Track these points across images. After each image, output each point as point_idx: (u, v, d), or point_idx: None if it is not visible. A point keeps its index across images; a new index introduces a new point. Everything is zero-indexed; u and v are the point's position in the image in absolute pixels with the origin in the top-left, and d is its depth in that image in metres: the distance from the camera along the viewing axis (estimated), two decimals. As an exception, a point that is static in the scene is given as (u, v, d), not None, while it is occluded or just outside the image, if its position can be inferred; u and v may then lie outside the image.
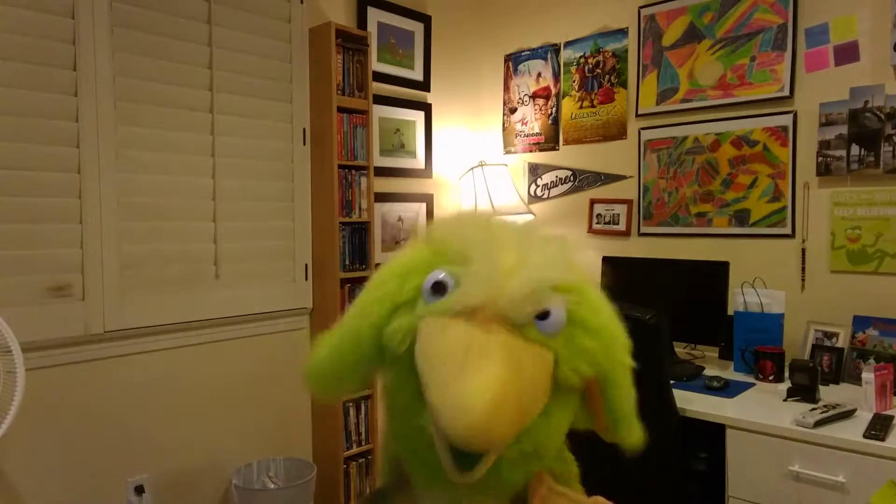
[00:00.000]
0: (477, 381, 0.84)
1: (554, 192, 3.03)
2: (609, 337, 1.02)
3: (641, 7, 2.68)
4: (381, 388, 1.07)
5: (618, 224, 2.78)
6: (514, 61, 3.17)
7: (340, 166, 2.44)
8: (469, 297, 0.94)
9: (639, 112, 2.70)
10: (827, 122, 2.19)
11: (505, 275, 0.95)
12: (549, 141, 3.03)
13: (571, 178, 2.96)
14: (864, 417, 1.69)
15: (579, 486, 1.25)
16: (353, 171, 2.49)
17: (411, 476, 1.10)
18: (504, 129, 3.22)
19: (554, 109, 3.01)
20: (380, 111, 2.79)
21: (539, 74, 3.06)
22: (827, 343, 2.12)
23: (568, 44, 2.95)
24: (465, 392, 0.83)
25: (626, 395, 1.05)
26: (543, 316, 0.96)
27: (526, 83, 3.11)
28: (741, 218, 2.43)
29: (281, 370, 2.47)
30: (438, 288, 0.98)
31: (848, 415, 1.69)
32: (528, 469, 1.02)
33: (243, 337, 2.34)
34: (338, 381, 1.07)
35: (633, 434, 1.07)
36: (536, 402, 0.93)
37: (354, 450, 2.51)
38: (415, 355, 0.95)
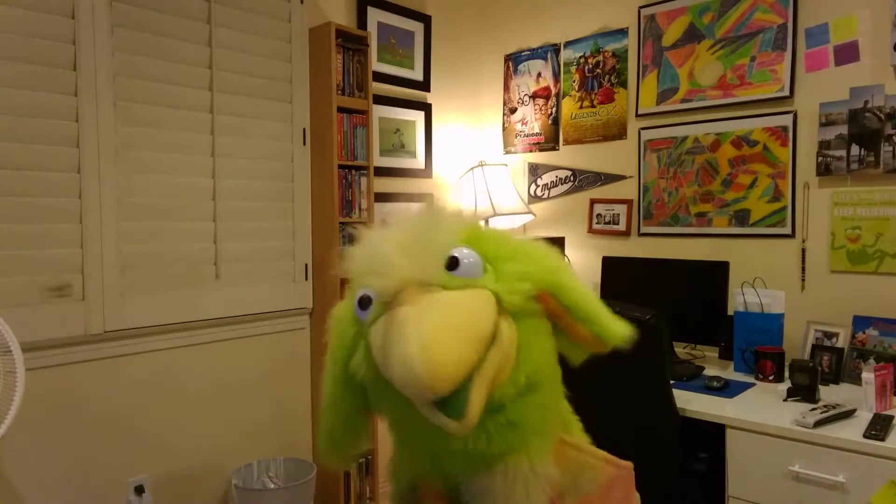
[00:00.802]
0: (409, 338, 0.91)
1: (554, 192, 3.03)
2: (527, 252, 1.10)
3: (641, 7, 2.68)
4: (388, 427, 1.16)
5: (618, 224, 2.78)
6: (514, 61, 3.17)
7: (340, 166, 2.44)
8: (383, 288, 1.02)
9: (639, 112, 2.70)
10: (827, 122, 2.19)
11: (400, 254, 1.03)
12: (549, 141, 3.03)
13: (571, 178, 2.96)
14: (864, 417, 1.69)
15: (583, 434, 1.28)
16: (353, 171, 2.49)
17: (445, 478, 1.13)
18: (504, 129, 3.22)
19: (554, 109, 3.01)
20: (380, 111, 2.79)
21: (539, 74, 3.06)
22: (827, 343, 2.12)
23: (568, 44, 2.95)
24: (402, 352, 0.90)
25: (581, 294, 1.10)
26: (454, 265, 1.04)
27: (526, 83, 3.12)
28: (741, 218, 2.43)
29: (281, 370, 2.47)
30: (364, 303, 1.07)
31: (848, 415, 1.69)
32: (530, 403, 1.06)
33: (243, 337, 2.34)
34: (347, 437, 1.16)
35: (613, 328, 1.11)
36: (484, 331, 0.97)
37: (354, 450, 2.50)
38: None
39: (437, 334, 0.91)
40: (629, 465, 1.20)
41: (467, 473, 1.09)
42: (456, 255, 1.04)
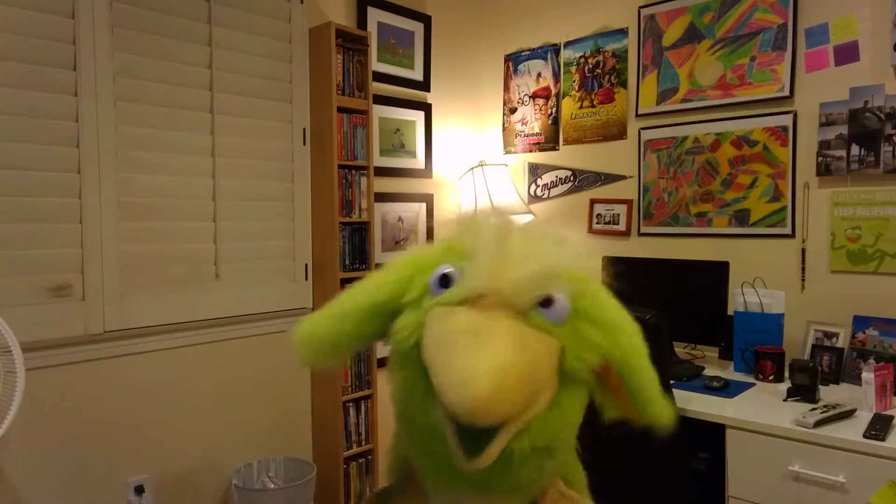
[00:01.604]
0: (481, 356, 0.86)
1: (554, 192, 3.03)
2: (615, 327, 1.05)
3: (641, 7, 2.68)
4: (392, 393, 1.09)
5: (618, 224, 2.78)
6: (514, 61, 3.17)
7: (340, 166, 2.44)
8: (473, 285, 0.97)
9: (639, 112, 2.70)
10: (827, 122, 2.19)
11: (509, 264, 0.99)
12: (549, 141, 3.03)
13: (571, 178, 2.96)
14: (864, 417, 1.69)
15: (586, 491, 1.26)
16: (353, 171, 2.49)
17: (424, 478, 1.11)
18: (504, 129, 3.22)
19: (554, 109, 3.01)
20: (380, 111, 2.79)
21: (539, 74, 3.06)
22: (827, 343, 2.12)
23: (568, 44, 2.95)
24: (470, 366, 0.85)
25: (646, 379, 1.06)
26: (547, 304, 0.99)
27: (526, 83, 3.12)
28: (741, 218, 2.43)
29: (281, 370, 2.47)
30: (445, 281, 1.02)
31: (848, 415, 1.69)
32: (539, 466, 1.03)
33: (243, 337, 2.34)
34: (331, 348, 1.09)
35: (663, 413, 1.08)
36: (541, 384, 0.94)
37: (354, 450, 2.51)
38: (422, 346, 0.97)
39: (507, 368, 0.86)
40: None
41: (444, 489, 1.07)
42: (555, 296, 1.00)
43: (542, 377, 0.94)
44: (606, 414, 1.12)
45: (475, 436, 0.90)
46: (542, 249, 1.04)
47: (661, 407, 1.07)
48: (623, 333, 1.05)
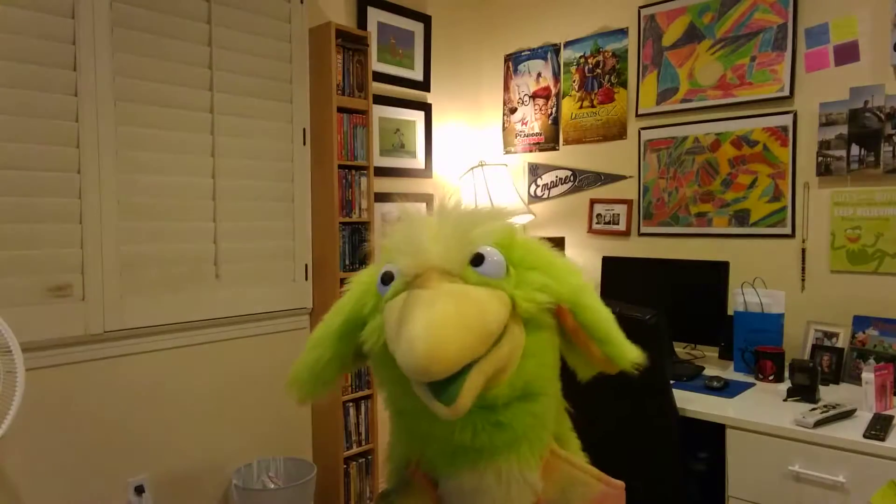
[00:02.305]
0: (419, 318, 0.94)
1: (554, 192, 3.03)
2: (555, 267, 1.13)
3: (641, 7, 2.68)
4: (384, 400, 1.20)
5: (618, 224, 2.78)
6: (514, 61, 3.17)
7: (340, 166, 2.44)
8: (407, 268, 1.06)
9: (639, 112, 2.70)
10: (827, 122, 2.19)
11: (431, 240, 1.07)
12: (549, 141, 3.03)
13: (571, 178, 2.96)
14: (864, 417, 1.69)
15: (581, 453, 1.29)
16: (353, 171, 2.49)
17: (429, 468, 1.16)
18: (504, 129, 3.22)
19: (554, 109, 3.01)
20: (380, 111, 2.79)
21: (539, 74, 3.06)
22: (827, 343, 2.12)
23: (568, 44, 2.95)
24: (410, 329, 0.93)
25: (600, 315, 1.13)
26: (479, 261, 1.07)
27: (526, 83, 3.11)
28: (741, 218, 2.43)
29: (281, 370, 2.47)
30: (387, 279, 1.11)
31: (848, 415, 1.69)
32: (527, 411, 1.08)
33: (243, 337, 2.34)
34: (314, 377, 1.20)
35: (626, 352, 1.14)
36: (492, 327, 0.99)
37: (354, 450, 2.51)
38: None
39: (445, 320, 0.94)
40: (621, 484, 1.21)
41: (451, 467, 1.11)
42: (482, 252, 1.07)
43: (490, 320, 0.99)
44: (579, 373, 1.20)
45: (447, 389, 0.96)
46: (456, 219, 1.12)
47: (623, 345, 1.13)
48: (566, 273, 1.13)
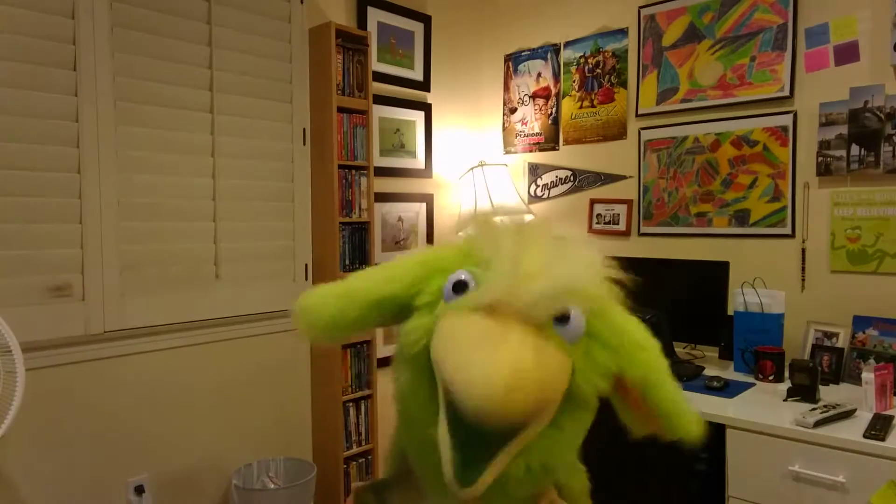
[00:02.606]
0: (498, 355, 0.84)
1: (554, 192, 3.03)
2: (630, 345, 1.02)
3: (641, 7, 2.68)
4: (394, 393, 1.07)
5: (618, 224, 2.78)
6: (514, 61, 3.17)
7: (340, 166, 2.44)
8: (488, 293, 0.94)
9: (639, 112, 2.70)
10: (827, 122, 2.19)
11: (527, 275, 0.95)
12: (549, 141, 3.03)
13: (571, 178, 2.96)
14: (864, 417, 1.69)
15: (588, 500, 1.24)
16: (353, 171, 2.49)
17: (420, 479, 1.09)
18: (504, 129, 3.22)
19: (554, 109, 3.01)
20: (380, 111, 2.79)
21: (539, 74, 3.06)
22: (827, 343, 2.12)
23: (568, 44, 2.95)
24: (486, 363, 0.83)
25: (669, 393, 1.03)
26: (563, 320, 0.95)
27: (526, 83, 3.11)
28: (741, 218, 2.43)
29: (281, 370, 2.47)
30: (459, 287, 0.99)
31: (848, 415, 1.69)
32: (535, 484, 1.01)
33: (243, 337, 2.34)
34: (329, 326, 1.06)
35: (690, 426, 1.05)
36: (553, 396, 0.91)
37: (354, 450, 2.51)
38: (431, 349, 0.95)
39: (528, 365, 0.85)
40: None
41: (440, 492, 1.05)
42: (572, 313, 0.96)
43: (553, 388, 0.91)
44: (634, 431, 1.10)
45: (472, 457, 0.88)
46: (560, 262, 1.00)
47: (687, 420, 1.04)
48: (640, 350, 1.03)
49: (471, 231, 1.09)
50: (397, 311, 1.06)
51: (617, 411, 1.09)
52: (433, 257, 1.09)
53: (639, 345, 1.03)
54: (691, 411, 1.05)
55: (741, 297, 2.20)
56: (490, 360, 0.83)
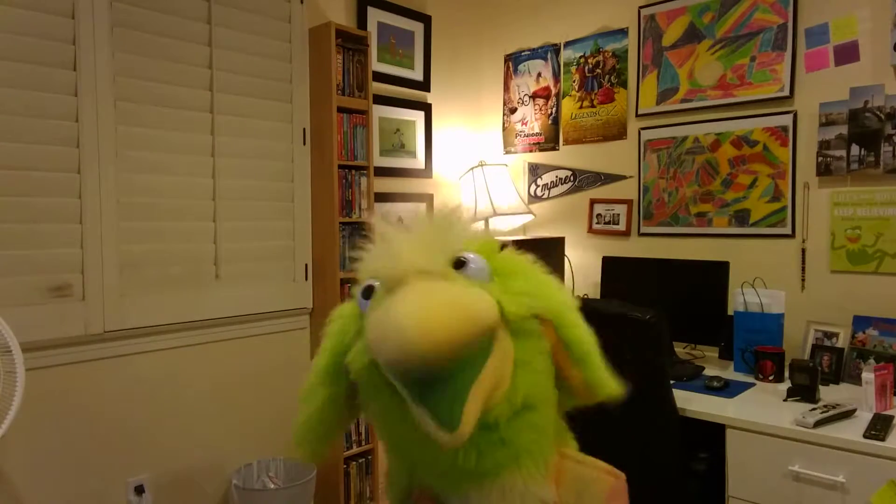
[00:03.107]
0: (404, 303, 0.89)
1: (554, 192, 3.03)
2: (537, 278, 1.10)
3: (641, 7, 2.68)
4: (377, 431, 1.14)
5: (618, 224, 2.78)
6: (514, 61, 3.17)
7: (340, 166, 2.44)
8: (388, 274, 1.00)
9: (639, 112, 2.70)
10: (827, 122, 2.19)
11: (412, 247, 1.03)
12: (549, 141, 3.03)
13: (571, 178, 2.96)
14: (864, 417, 1.69)
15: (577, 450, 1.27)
16: (353, 171, 2.49)
17: (437, 491, 1.11)
18: (504, 129, 3.22)
19: (554, 109, 3.01)
20: (380, 111, 2.79)
21: (539, 74, 3.06)
22: (827, 343, 2.12)
23: (568, 44, 2.95)
24: (396, 312, 0.88)
25: (583, 334, 1.09)
26: (462, 265, 1.03)
27: (526, 83, 3.11)
28: (741, 218, 2.43)
29: (281, 370, 2.47)
30: (368, 293, 1.07)
31: (848, 415, 1.69)
32: (529, 423, 1.04)
33: (243, 337, 2.34)
34: (320, 424, 1.16)
35: (605, 379, 1.10)
36: (478, 316, 0.94)
37: (354, 450, 2.51)
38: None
39: (436, 301, 0.90)
40: (623, 475, 1.19)
41: (455, 488, 1.07)
42: (464, 257, 1.04)
43: (481, 307, 0.95)
44: (560, 403, 1.15)
45: (447, 412, 0.91)
46: (434, 225, 1.09)
47: (603, 371, 1.10)
48: (551, 287, 1.10)
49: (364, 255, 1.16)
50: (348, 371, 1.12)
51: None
52: (345, 308, 1.17)
53: (552, 284, 1.11)
54: (606, 367, 1.11)
55: (741, 297, 2.20)
56: (396, 310, 0.88)
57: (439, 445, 0.94)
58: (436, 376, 0.92)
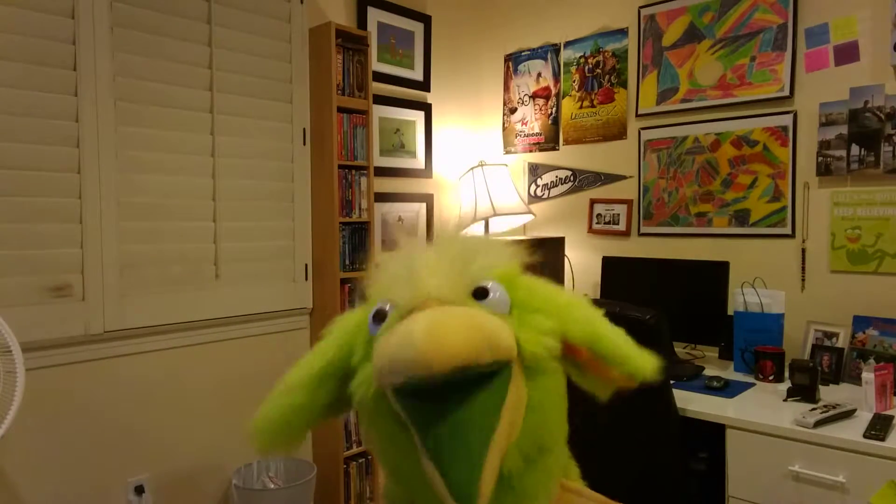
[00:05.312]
0: (416, 321, 0.84)
1: (554, 192, 3.03)
2: (561, 306, 1.04)
3: (641, 7, 2.68)
4: (377, 457, 1.07)
5: (618, 224, 2.78)
6: (514, 61, 3.17)
7: (340, 166, 2.44)
8: (403, 300, 0.95)
9: (639, 112, 2.70)
10: (827, 122, 2.19)
11: (429, 272, 0.97)
12: (549, 141, 3.03)
13: (571, 178, 2.96)
14: (864, 417, 1.69)
15: (581, 482, 1.25)
16: (353, 171, 2.49)
17: None
18: (504, 129, 3.22)
19: (554, 109, 3.01)
20: (380, 111, 2.79)
21: (539, 74, 3.06)
22: (827, 343, 2.12)
23: (568, 44, 2.95)
24: (405, 327, 0.84)
25: (614, 339, 1.04)
26: (482, 295, 0.98)
27: (526, 83, 3.11)
28: (741, 218, 2.43)
29: (281, 370, 2.44)
30: (379, 317, 1.00)
31: (848, 415, 1.69)
32: (541, 468, 1.00)
33: (243, 337, 2.34)
34: (284, 426, 1.06)
35: (644, 365, 1.05)
36: (495, 334, 0.90)
37: (354, 450, 2.51)
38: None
39: (449, 318, 0.85)
40: None
41: None
42: (485, 286, 0.99)
43: (499, 332, 0.90)
44: (598, 394, 1.10)
45: (460, 479, 0.86)
46: (456, 250, 1.03)
47: (640, 359, 1.05)
48: (572, 308, 1.05)
49: (378, 269, 1.10)
50: (340, 382, 1.06)
51: (577, 381, 1.10)
52: (354, 317, 1.10)
53: (569, 303, 1.05)
54: (641, 352, 1.06)
55: (741, 297, 2.20)
56: (409, 327, 0.83)
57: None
58: (446, 397, 0.88)
